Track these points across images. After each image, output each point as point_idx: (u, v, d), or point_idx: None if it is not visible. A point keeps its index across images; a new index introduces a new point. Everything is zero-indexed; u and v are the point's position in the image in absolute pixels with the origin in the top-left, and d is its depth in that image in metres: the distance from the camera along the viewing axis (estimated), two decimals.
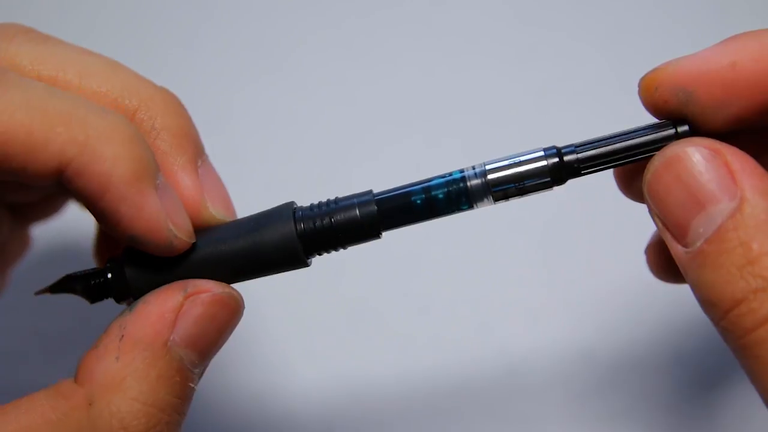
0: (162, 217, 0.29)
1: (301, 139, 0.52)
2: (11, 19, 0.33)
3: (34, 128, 0.27)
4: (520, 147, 0.33)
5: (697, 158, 0.29)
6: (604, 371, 0.46)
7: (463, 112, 0.52)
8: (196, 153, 0.33)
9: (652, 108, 0.31)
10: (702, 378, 0.46)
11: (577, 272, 0.48)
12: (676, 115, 0.31)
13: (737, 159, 0.28)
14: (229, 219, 0.33)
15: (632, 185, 0.36)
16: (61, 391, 0.29)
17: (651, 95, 0.31)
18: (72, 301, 0.34)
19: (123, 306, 0.32)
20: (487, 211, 0.33)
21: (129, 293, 0.31)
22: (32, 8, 0.55)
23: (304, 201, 0.33)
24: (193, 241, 0.31)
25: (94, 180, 0.28)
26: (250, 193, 0.51)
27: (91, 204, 0.29)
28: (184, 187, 0.31)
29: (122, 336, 0.29)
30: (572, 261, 0.49)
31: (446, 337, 0.47)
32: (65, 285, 0.33)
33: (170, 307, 0.30)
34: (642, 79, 0.31)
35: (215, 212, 0.32)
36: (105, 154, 0.28)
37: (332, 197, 0.32)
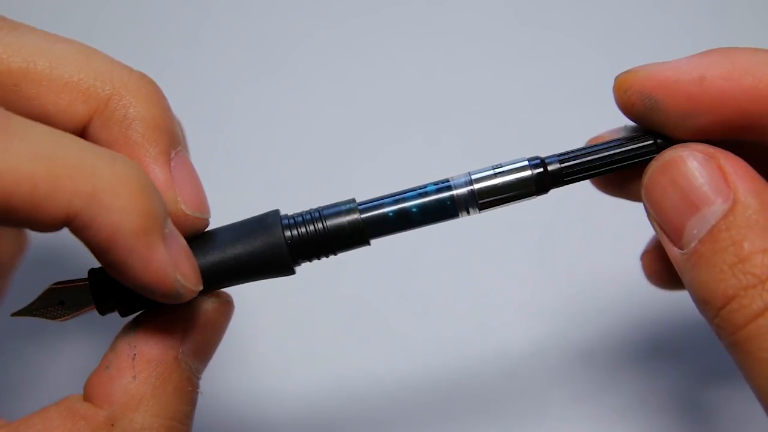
0: (170, 269, 0.28)
1: (301, 139, 0.52)
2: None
3: (39, 181, 0.26)
4: (519, 147, 0.33)
5: (691, 162, 0.29)
6: (603, 371, 0.46)
7: (463, 112, 0.53)
8: (170, 144, 0.31)
9: (623, 108, 0.32)
10: (700, 379, 0.46)
11: (576, 273, 0.49)
12: (643, 118, 0.31)
13: (730, 162, 0.29)
14: (199, 215, 0.32)
15: (607, 185, 0.36)
16: (77, 411, 0.29)
17: (621, 96, 0.31)
18: None
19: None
20: (485, 213, 0.33)
21: (112, 307, 0.31)
22: (32, 8, 0.55)
23: (304, 201, 0.33)
24: (201, 288, 0.30)
25: (102, 233, 0.27)
26: (249, 193, 0.51)
27: (98, 255, 0.28)
28: (154, 181, 0.30)
29: (134, 355, 0.30)
30: (571, 261, 0.49)
31: (445, 337, 0.47)
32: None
33: (178, 321, 0.31)
34: (616, 79, 0.32)
35: (185, 208, 0.31)
36: (112, 206, 0.27)
37: (329, 199, 0.32)
